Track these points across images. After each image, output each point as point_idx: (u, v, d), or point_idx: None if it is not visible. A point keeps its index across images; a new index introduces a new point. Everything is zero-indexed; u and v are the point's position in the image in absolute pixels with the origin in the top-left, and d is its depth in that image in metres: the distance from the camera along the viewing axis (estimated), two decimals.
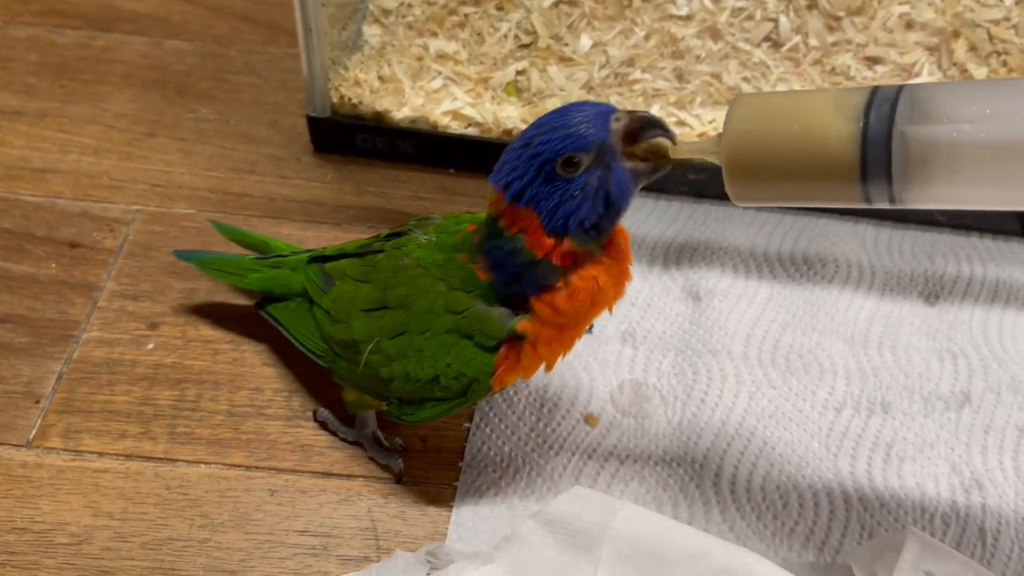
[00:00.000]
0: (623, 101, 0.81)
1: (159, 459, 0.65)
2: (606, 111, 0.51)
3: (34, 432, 0.66)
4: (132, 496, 0.63)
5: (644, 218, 0.80)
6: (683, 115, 0.81)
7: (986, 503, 0.63)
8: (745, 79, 0.82)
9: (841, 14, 0.84)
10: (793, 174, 0.46)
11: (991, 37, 0.83)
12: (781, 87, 0.82)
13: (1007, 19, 0.84)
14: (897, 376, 0.70)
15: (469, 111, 0.82)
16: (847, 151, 0.44)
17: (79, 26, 0.94)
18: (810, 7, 0.84)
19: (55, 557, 0.61)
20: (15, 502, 0.63)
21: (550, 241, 0.53)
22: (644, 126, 0.51)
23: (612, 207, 0.52)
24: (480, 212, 0.62)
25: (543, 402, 0.68)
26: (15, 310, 0.73)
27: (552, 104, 0.81)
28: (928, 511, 0.63)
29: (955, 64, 0.83)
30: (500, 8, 0.86)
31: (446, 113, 0.82)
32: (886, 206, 0.45)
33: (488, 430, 0.67)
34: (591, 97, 0.82)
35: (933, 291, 0.75)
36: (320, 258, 0.66)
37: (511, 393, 0.69)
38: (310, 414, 0.68)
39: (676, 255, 0.77)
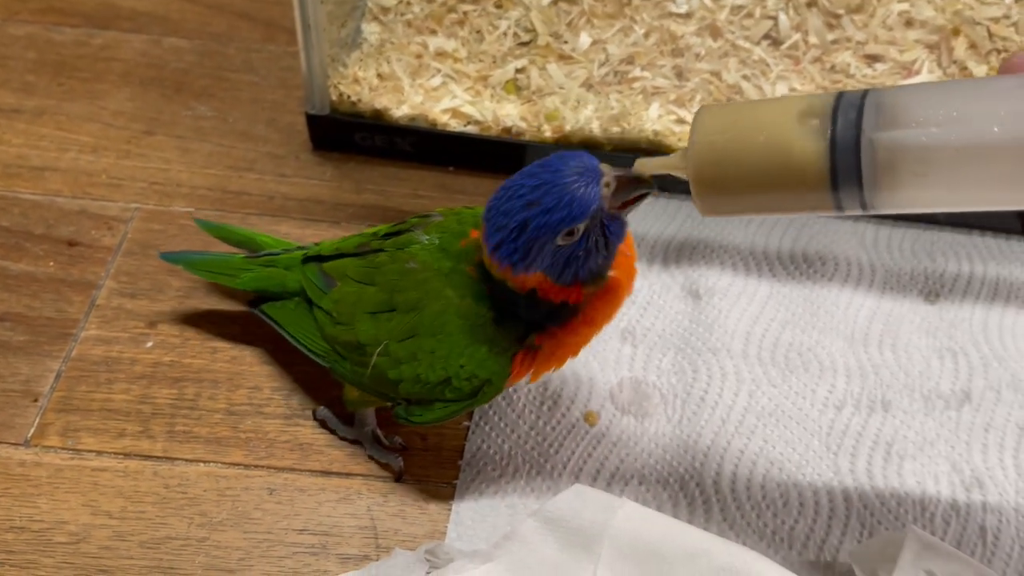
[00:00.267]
0: (623, 99, 0.81)
1: (158, 458, 0.65)
2: (592, 171, 0.51)
3: (32, 431, 0.66)
4: (131, 495, 0.63)
5: (644, 216, 0.79)
6: (683, 113, 0.81)
7: (986, 501, 0.63)
8: (745, 77, 0.82)
9: (841, 12, 0.84)
10: (761, 185, 0.45)
11: (991, 35, 0.83)
12: (781, 85, 0.82)
13: (1007, 17, 0.84)
14: (897, 374, 0.70)
15: (468, 109, 0.82)
16: (815, 160, 0.43)
17: (77, 24, 0.94)
18: (810, 5, 0.84)
19: (53, 556, 0.60)
20: (13, 501, 0.63)
21: (563, 292, 0.54)
22: (631, 186, 0.51)
23: (613, 247, 0.54)
24: (479, 207, 0.62)
25: (543, 400, 0.68)
26: (13, 308, 0.73)
27: (551, 102, 0.81)
28: (928, 509, 0.63)
29: (955, 62, 0.83)
30: (499, 6, 0.86)
31: (445, 111, 0.82)
32: (858, 212, 0.44)
33: (488, 428, 0.67)
34: (590, 95, 0.82)
35: (933, 289, 0.75)
36: (316, 257, 0.65)
37: (511, 391, 0.68)
38: (309, 412, 0.68)
39: (676, 253, 0.77)
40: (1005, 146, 0.41)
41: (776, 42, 0.84)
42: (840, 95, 0.44)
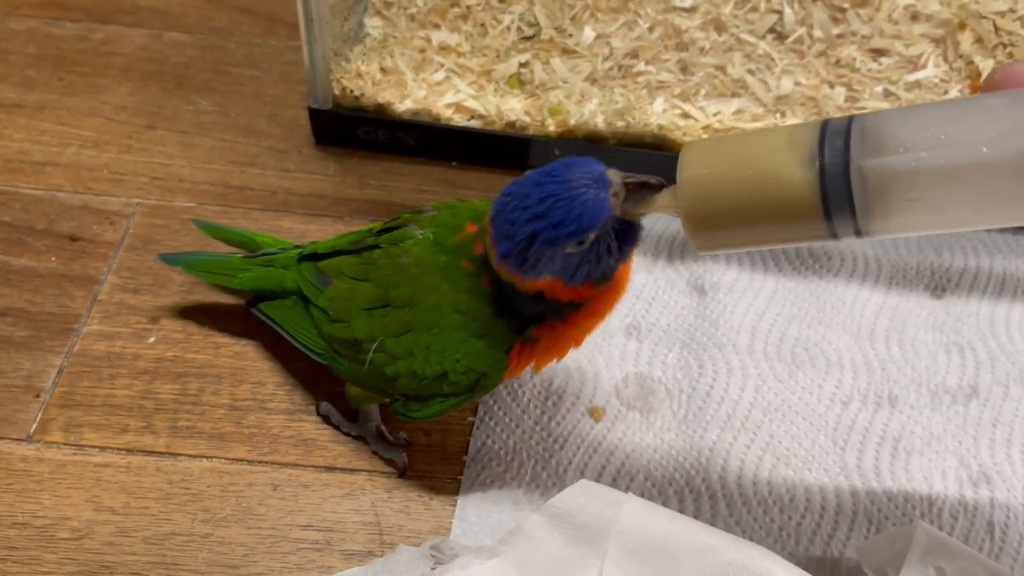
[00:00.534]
0: (627, 93, 0.81)
1: (161, 453, 0.65)
2: (600, 179, 0.50)
3: (34, 426, 0.66)
4: (134, 490, 0.63)
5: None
6: (688, 107, 0.81)
7: (994, 497, 0.63)
8: (749, 71, 0.82)
9: (846, 5, 0.84)
10: (754, 219, 0.45)
11: (997, 29, 0.83)
12: (786, 79, 0.81)
13: (1013, 10, 0.83)
14: (904, 369, 0.69)
15: (472, 103, 0.81)
16: (806, 191, 0.43)
17: (78, 18, 0.94)
18: None
19: (56, 552, 0.60)
20: (16, 497, 0.62)
21: (573, 292, 0.54)
22: (640, 191, 0.51)
23: (627, 250, 0.54)
24: (474, 199, 0.62)
25: (548, 395, 0.68)
26: (15, 304, 0.72)
27: (555, 96, 0.81)
28: (936, 505, 0.63)
29: (961, 56, 0.82)
30: (503, 0, 0.86)
31: (449, 105, 0.81)
32: (853, 239, 0.44)
33: (492, 424, 0.66)
34: (594, 90, 0.81)
35: (940, 284, 0.75)
36: (312, 255, 0.65)
37: (515, 386, 0.68)
38: (312, 408, 0.67)
39: (681, 248, 0.76)
40: (996, 166, 0.40)
41: (781, 36, 0.84)
42: (825, 123, 0.44)
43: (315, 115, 0.82)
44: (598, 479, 0.64)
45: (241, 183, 0.81)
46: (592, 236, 0.51)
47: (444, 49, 0.84)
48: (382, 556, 0.60)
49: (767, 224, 0.45)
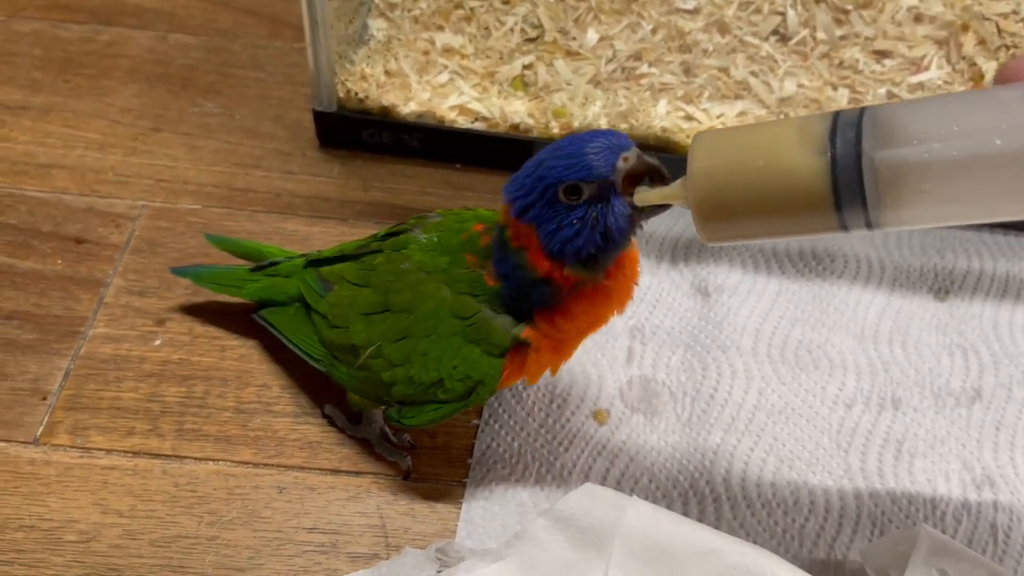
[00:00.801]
0: (630, 95, 0.81)
1: (167, 456, 0.65)
2: (617, 147, 0.51)
3: (41, 429, 0.66)
4: (140, 493, 0.63)
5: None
6: (691, 109, 0.81)
7: (997, 499, 0.63)
8: (753, 73, 0.82)
9: (849, 7, 0.84)
10: (764, 210, 0.45)
11: (1000, 30, 0.83)
12: (789, 81, 0.81)
13: (1016, 12, 0.83)
14: (907, 372, 0.70)
15: (476, 106, 0.81)
16: (817, 182, 0.43)
17: (83, 20, 0.94)
18: (818, 0, 0.83)
19: (63, 555, 0.60)
20: (23, 499, 0.63)
21: (547, 263, 0.54)
22: (647, 172, 0.51)
23: (609, 241, 0.53)
24: (480, 208, 0.62)
25: (552, 398, 0.68)
26: (21, 306, 0.73)
27: (558, 99, 0.81)
28: (939, 508, 0.63)
29: (964, 58, 0.82)
30: (506, 2, 0.86)
31: (453, 108, 0.81)
32: (864, 231, 0.44)
33: (497, 427, 0.67)
34: (598, 92, 0.81)
35: (943, 286, 0.75)
36: (316, 262, 0.66)
37: (520, 389, 0.68)
38: (318, 411, 0.68)
39: (684, 251, 0.77)
40: (1009, 158, 0.40)
41: (784, 38, 0.84)
42: (837, 114, 0.44)
43: (319, 117, 0.83)
44: (602, 482, 0.64)
45: (246, 185, 0.81)
46: (587, 191, 0.51)
47: (448, 51, 0.84)
48: (388, 559, 0.61)
49: (777, 215, 0.45)
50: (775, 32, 0.84)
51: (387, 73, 0.83)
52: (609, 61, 0.83)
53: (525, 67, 0.83)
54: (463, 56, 0.84)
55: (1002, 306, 0.74)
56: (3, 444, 0.65)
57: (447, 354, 0.57)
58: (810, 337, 0.71)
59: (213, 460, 0.65)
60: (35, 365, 0.69)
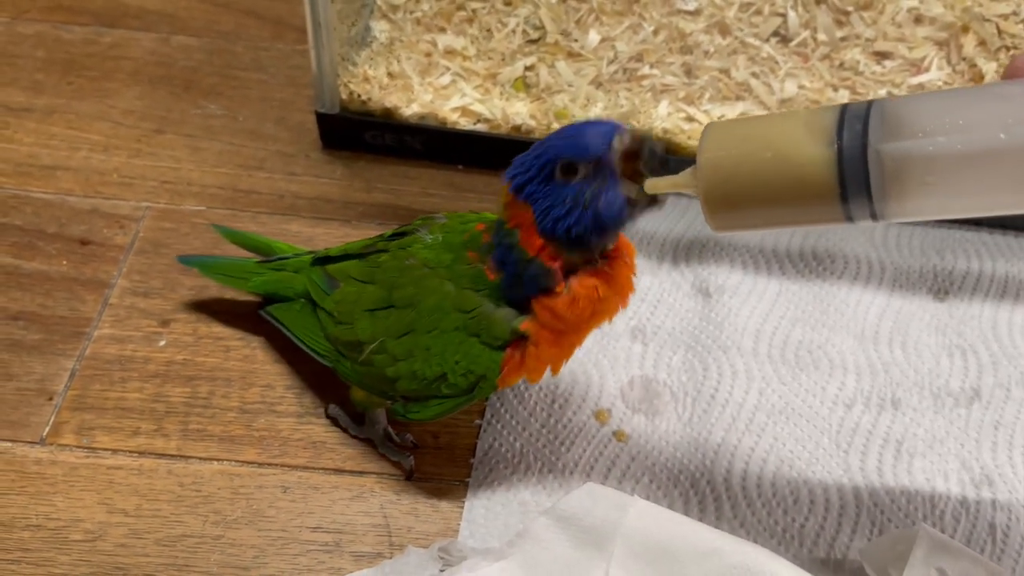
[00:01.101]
0: (632, 97, 0.81)
1: (172, 456, 0.66)
2: (615, 129, 0.52)
3: (47, 429, 0.67)
4: (146, 493, 0.64)
5: (654, 214, 0.79)
6: (692, 111, 0.81)
7: (996, 499, 0.63)
8: (754, 74, 0.82)
9: (850, 9, 0.84)
10: (772, 200, 0.45)
11: (1000, 32, 0.83)
12: (790, 82, 0.82)
13: (1016, 13, 0.84)
14: (907, 372, 0.70)
15: (478, 107, 0.82)
16: (824, 174, 0.44)
17: (86, 22, 0.94)
18: (819, 2, 0.84)
19: (70, 554, 0.61)
20: (29, 499, 0.63)
21: (539, 241, 0.54)
22: (643, 148, 0.52)
23: (601, 223, 0.53)
24: (485, 211, 0.63)
25: (554, 398, 0.68)
26: (27, 307, 0.73)
27: (560, 100, 0.81)
28: (938, 507, 0.63)
29: (964, 59, 0.83)
30: (508, 3, 0.86)
31: (455, 109, 0.82)
32: (868, 223, 0.45)
33: (499, 426, 0.67)
34: (599, 93, 0.82)
35: (943, 287, 0.75)
36: (323, 259, 0.66)
37: (522, 389, 0.69)
38: (322, 410, 0.68)
39: (685, 251, 0.77)
40: (1013, 152, 0.41)
41: (785, 39, 0.84)
42: (844, 107, 0.45)
43: (322, 119, 0.83)
44: (604, 481, 0.64)
45: (249, 187, 0.82)
46: (583, 169, 0.52)
47: (450, 53, 0.85)
48: (391, 558, 0.61)
49: (784, 206, 0.45)
50: (776, 33, 0.84)
51: (389, 75, 0.84)
52: (610, 62, 0.83)
53: (527, 68, 0.84)
54: (465, 58, 0.85)
55: (1001, 306, 0.74)
56: (9, 444, 0.66)
57: (450, 348, 0.58)
58: (810, 337, 0.72)
59: (218, 460, 0.65)
60: (41, 366, 0.70)
